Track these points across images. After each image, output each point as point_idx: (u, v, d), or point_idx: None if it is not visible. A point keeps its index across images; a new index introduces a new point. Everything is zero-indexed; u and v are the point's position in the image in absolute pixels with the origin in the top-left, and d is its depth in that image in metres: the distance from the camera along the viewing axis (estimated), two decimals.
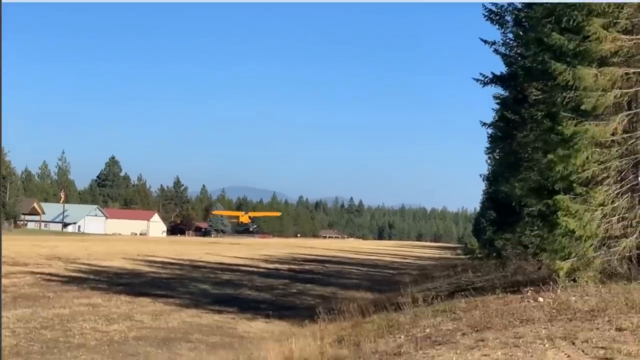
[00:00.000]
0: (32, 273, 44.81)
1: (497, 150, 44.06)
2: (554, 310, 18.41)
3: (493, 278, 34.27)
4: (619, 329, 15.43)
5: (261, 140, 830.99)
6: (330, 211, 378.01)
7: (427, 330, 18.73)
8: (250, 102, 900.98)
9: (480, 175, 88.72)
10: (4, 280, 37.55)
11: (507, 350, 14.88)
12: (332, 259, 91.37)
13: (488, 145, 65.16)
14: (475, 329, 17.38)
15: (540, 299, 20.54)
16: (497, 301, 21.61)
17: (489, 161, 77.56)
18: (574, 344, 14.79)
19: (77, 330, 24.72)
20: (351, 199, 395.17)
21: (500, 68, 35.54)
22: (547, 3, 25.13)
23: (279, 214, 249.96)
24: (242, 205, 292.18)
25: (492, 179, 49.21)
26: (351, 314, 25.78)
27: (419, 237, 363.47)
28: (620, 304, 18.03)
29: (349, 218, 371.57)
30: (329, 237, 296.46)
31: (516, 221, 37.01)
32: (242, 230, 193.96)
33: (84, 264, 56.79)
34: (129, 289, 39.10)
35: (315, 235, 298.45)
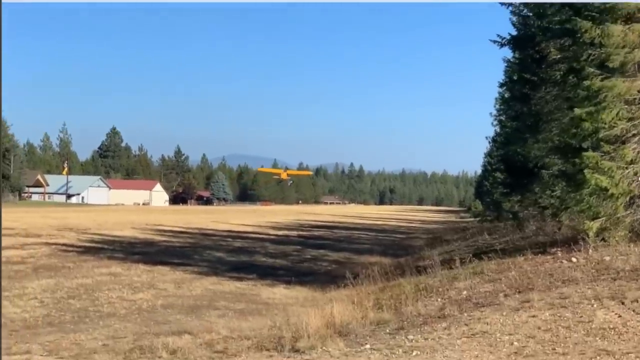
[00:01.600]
0: (47, 244, 44.75)
1: (510, 112, 43.65)
2: (594, 270, 18.17)
3: (513, 239, 34.00)
4: None
5: (259, 107, 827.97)
6: (330, 177, 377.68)
7: (464, 292, 18.52)
8: (247, 71, 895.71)
9: (486, 138, 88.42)
10: (21, 252, 37.58)
11: (554, 311, 14.68)
12: (339, 225, 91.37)
13: (498, 108, 64.86)
14: (517, 290, 17.15)
15: (574, 259, 20.31)
16: (529, 262, 21.32)
17: (495, 123, 77.24)
18: (623, 303, 14.58)
19: (105, 300, 24.57)
20: (351, 164, 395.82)
21: (508, 31, 35.21)
22: None
23: (310, 173, 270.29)
24: (242, 173, 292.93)
25: (504, 141, 48.78)
26: (375, 278, 25.62)
27: (420, 202, 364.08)
28: None
29: (350, 184, 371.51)
30: (331, 203, 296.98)
31: (531, 182, 36.83)
32: (279, 182, 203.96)
33: (95, 234, 56.72)
34: (146, 257, 39.01)
35: (317, 201, 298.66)
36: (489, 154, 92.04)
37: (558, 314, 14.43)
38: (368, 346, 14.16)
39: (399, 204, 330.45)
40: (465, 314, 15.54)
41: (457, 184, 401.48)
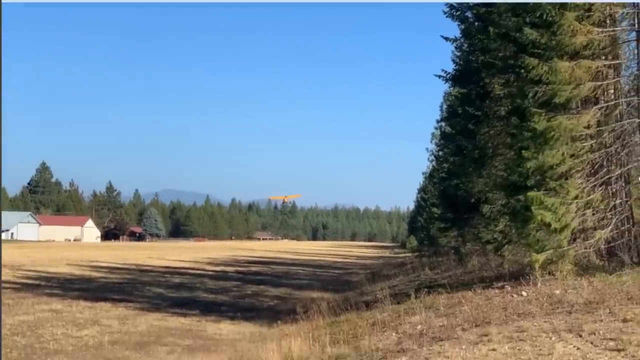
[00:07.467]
0: None
1: (451, 147, 43.86)
2: (547, 304, 18.36)
3: (457, 274, 34.19)
4: (625, 320, 15.36)
5: (191, 143, 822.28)
6: (263, 213, 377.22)
7: (419, 326, 18.54)
8: (178, 106, 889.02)
9: (423, 173, 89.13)
10: None
11: (513, 344, 14.73)
12: (275, 261, 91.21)
13: (437, 143, 65.39)
14: (474, 323, 17.23)
15: (524, 293, 20.52)
16: (479, 296, 21.47)
17: (431, 158, 77.85)
18: (580, 336, 14.70)
19: (49, 336, 24.09)
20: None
21: (449, 66, 35.70)
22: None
23: (300, 195, 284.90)
24: (175, 209, 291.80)
25: (445, 176, 48.99)
26: (323, 313, 25.61)
27: (353, 237, 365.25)
28: (619, 296, 18.03)
29: (283, 219, 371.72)
30: (264, 239, 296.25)
31: (473, 217, 36.99)
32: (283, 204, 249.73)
33: (30, 270, 55.82)
34: (86, 294, 38.35)
35: (250, 237, 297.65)
36: (423, 190, 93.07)
37: (517, 347, 14.47)
38: None
39: (332, 240, 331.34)
40: (425, 348, 15.53)
41: (390, 219, 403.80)
